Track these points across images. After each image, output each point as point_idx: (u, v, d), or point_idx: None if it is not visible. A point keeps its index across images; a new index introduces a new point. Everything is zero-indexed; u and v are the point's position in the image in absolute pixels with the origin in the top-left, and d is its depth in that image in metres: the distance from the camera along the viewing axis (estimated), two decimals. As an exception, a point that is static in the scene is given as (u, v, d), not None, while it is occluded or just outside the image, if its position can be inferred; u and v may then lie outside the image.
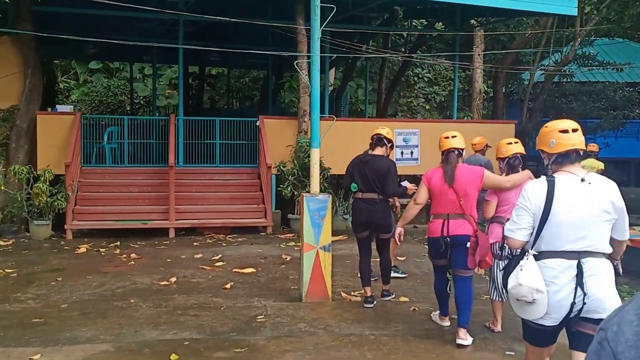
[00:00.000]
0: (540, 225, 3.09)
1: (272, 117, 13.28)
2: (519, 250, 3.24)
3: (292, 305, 5.95)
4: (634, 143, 19.28)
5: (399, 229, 5.26)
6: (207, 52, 17.86)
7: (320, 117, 6.47)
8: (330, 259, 6.18)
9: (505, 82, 17.55)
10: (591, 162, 11.70)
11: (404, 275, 7.48)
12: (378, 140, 5.90)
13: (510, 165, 5.20)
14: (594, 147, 12.05)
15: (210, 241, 10.23)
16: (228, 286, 6.98)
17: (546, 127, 3.29)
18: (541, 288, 3.03)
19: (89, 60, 23.50)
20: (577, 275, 3.01)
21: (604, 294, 3.01)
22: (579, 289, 3.00)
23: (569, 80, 17.51)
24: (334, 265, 8.15)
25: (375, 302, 6.02)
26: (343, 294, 6.67)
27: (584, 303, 3.00)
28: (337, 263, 8.25)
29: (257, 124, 12.09)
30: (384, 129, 6.01)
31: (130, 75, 21.15)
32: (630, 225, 3.67)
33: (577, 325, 3.08)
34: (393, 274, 6.83)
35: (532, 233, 3.14)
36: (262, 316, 5.56)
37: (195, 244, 9.95)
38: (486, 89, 19.63)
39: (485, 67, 16.12)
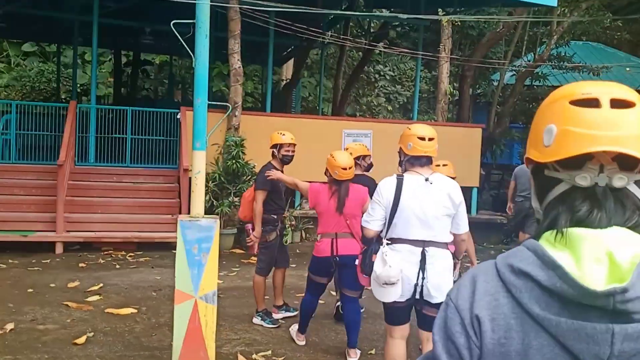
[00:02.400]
0: (391, 217, 3.56)
1: (197, 109, 11.21)
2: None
3: (148, 388, 3.98)
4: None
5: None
6: (139, 34, 15.75)
7: (212, 106, 4.55)
8: (214, 313, 4.23)
9: (472, 83, 15.85)
10: None
11: (294, 313, 5.82)
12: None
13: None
14: None
15: (102, 261, 8.16)
16: (82, 340, 4.96)
17: (408, 129, 3.70)
18: (401, 267, 3.51)
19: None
20: (420, 261, 3.50)
21: (440, 280, 3.51)
22: (421, 272, 3.49)
23: (541, 83, 15.88)
24: (240, 303, 6.23)
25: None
26: (241, 358, 4.74)
27: (423, 286, 3.49)
28: (249, 299, 6.30)
29: (178, 116, 10.05)
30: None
31: (58, 58, 18.85)
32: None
33: (421, 308, 3.59)
34: (282, 315, 5.83)
35: (384, 224, 3.62)
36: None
37: (81, 265, 7.87)
38: (452, 90, 18.00)
39: (452, 58, 14.27)
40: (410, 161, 3.60)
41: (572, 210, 1.00)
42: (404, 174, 3.60)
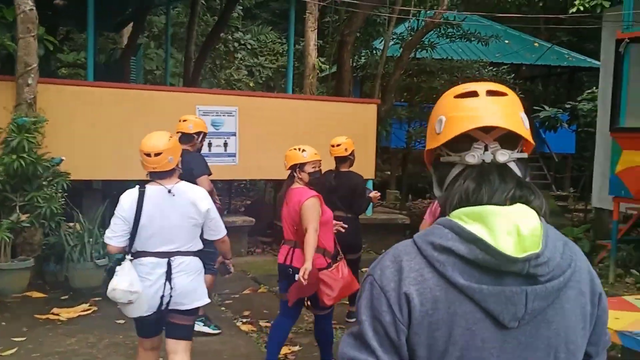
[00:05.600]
0: (134, 230, 3.37)
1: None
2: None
3: None
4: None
5: None
6: None
7: None
8: None
9: (353, 52, 13.36)
10: None
11: (216, 332, 5.19)
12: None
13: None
14: None
15: None
16: None
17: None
18: (135, 289, 3.28)
19: None
20: (167, 272, 3.35)
21: (189, 288, 3.41)
22: (167, 283, 3.34)
23: (428, 54, 13.82)
24: None
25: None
26: None
27: (171, 296, 3.35)
28: None
29: None
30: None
31: None
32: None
33: (169, 317, 3.44)
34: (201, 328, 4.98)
35: (128, 238, 3.40)
36: None
37: None
38: (320, 64, 15.51)
39: (327, 4, 11.51)
40: (150, 174, 3.41)
41: (463, 187, 1.15)
42: (145, 185, 3.40)
